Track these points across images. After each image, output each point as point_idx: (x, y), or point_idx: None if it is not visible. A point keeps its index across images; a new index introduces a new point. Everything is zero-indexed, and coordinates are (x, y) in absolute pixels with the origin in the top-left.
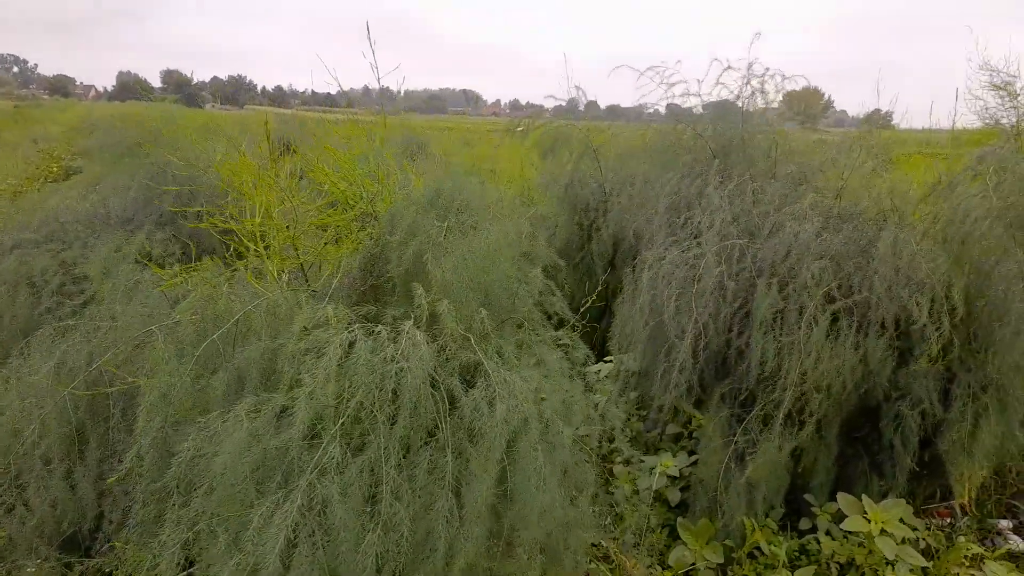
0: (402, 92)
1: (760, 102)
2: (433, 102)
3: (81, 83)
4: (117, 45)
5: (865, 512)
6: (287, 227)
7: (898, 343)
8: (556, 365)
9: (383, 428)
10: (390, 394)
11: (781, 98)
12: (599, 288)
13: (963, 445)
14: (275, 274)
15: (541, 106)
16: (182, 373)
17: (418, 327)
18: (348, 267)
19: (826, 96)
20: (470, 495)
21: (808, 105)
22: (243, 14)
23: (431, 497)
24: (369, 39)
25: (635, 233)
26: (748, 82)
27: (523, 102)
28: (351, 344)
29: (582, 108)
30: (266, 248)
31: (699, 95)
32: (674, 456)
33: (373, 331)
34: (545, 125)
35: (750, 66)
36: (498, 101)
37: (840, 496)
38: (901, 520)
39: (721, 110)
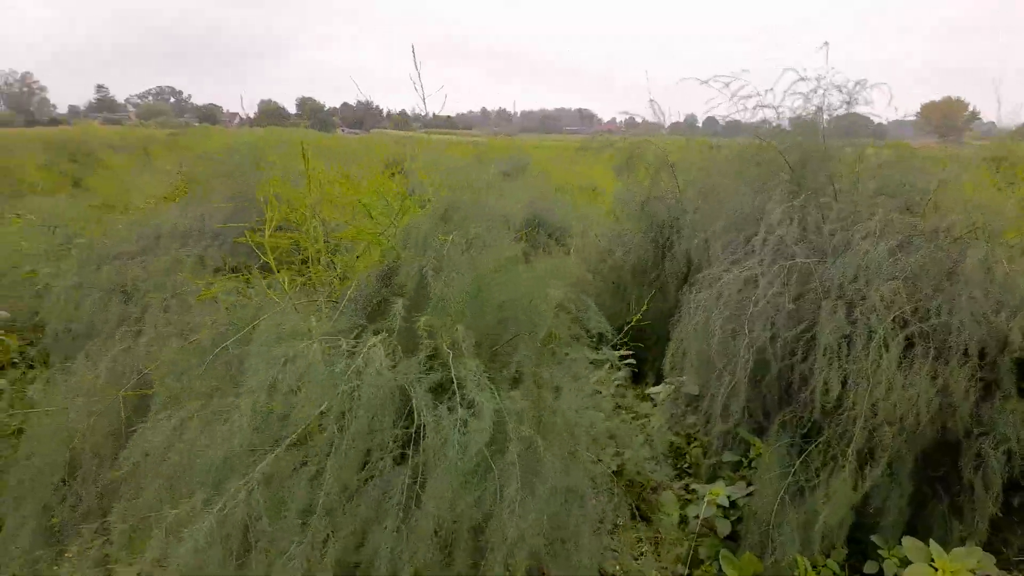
0: (518, 113)
1: (840, 111)
2: (548, 122)
3: (227, 111)
4: (262, 77)
5: (932, 559)
6: (324, 239)
7: (982, 374)
8: (570, 383)
9: (333, 441)
10: (341, 407)
11: (917, 110)
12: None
13: None
14: (287, 286)
15: (658, 123)
16: (190, 376)
17: (396, 341)
18: (364, 280)
19: (971, 106)
20: (422, 515)
21: (948, 117)
22: (377, 45)
23: (382, 514)
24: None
25: (698, 250)
26: (824, 92)
27: (638, 120)
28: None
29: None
30: (304, 262)
31: (776, 107)
32: (731, 484)
33: (337, 344)
34: (619, 141)
35: (820, 77)
36: (613, 119)
37: (906, 540)
38: (974, 572)
39: (800, 122)
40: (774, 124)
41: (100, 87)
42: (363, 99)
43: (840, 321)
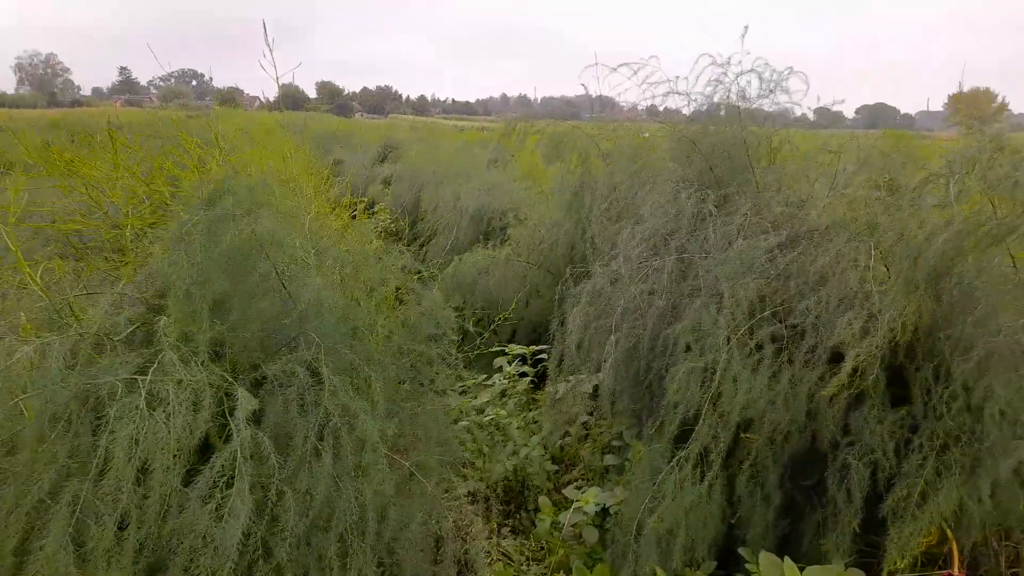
0: (538, 99)
1: (768, 102)
2: (568, 108)
3: (248, 95)
4: (283, 59)
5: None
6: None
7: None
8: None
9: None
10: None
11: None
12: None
13: (909, 507)
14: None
15: (678, 110)
16: None
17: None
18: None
19: (999, 97)
20: None
21: (977, 108)
22: (395, 28)
23: None
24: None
25: (591, 247)
26: (736, 78)
27: (660, 107)
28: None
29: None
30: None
31: (687, 94)
32: (611, 490)
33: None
34: (548, 127)
35: (728, 61)
36: (635, 106)
37: (763, 555)
38: None
39: (711, 110)
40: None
41: (123, 69)
42: (382, 85)
43: (696, 319)
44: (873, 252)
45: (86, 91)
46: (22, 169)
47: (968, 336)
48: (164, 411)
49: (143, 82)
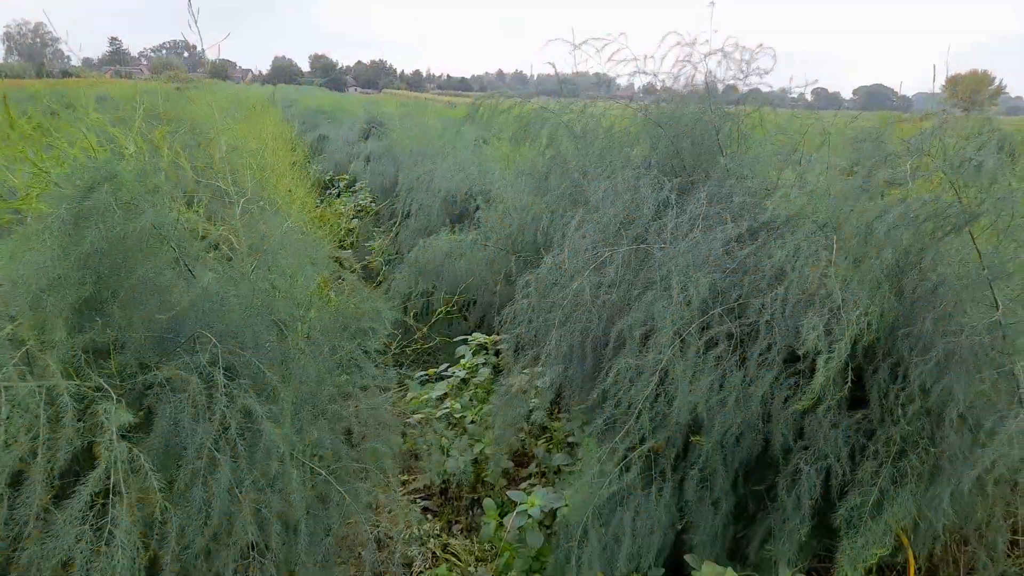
0: (535, 76)
1: (741, 83)
2: (565, 85)
3: (240, 67)
4: (276, 32)
5: None
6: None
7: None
8: None
9: None
10: None
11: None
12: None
13: (863, 515)
14: None
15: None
16: None
17: None
18: None
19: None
20: None
21: (975, 91)
22: (398, 6)
23: None
24: None
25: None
26: (704, 59)
27: (658, 86)
28: None
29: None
30: None
31: (655, 74)
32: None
33: None
34: (515, 107)
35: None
36: (631, 85)
37: (705, 564)
38: None
39: (677, 91)
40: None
41: (113, 39)
42: (376, 59)
43: (643, 314)
44: (835, 246)
45: (76, 61)
46: None
47: (928, 334)
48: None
49: (134, 53)
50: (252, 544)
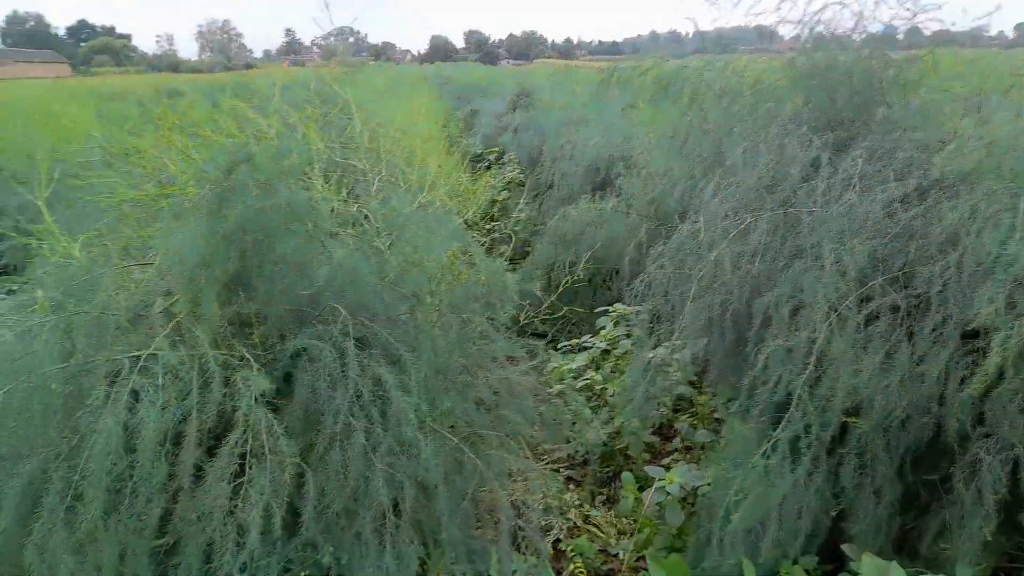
0: (689, 34)
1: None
2: (723, 42)
3: (399, 49)
4: (433, 10)
5: None
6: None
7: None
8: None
9: None
10: None
11: None
12: None
13: None
14: None
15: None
16: None
17: None
18: None
19: None
20: None
21: None
22: None
23: None
24: None
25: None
26: None
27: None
28: None
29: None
30: None
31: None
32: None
33: None
34: (653, 68)
35: None
36: (797, 36)
37: (866, 557)
38: None
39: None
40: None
41: (288, 31)
42: (527, 30)
43: (790, 287)
44: (1022, 207)
45: (257, 54)
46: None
47: None
48: (152, 395)
49: (307, 42)
50: (389, 505)
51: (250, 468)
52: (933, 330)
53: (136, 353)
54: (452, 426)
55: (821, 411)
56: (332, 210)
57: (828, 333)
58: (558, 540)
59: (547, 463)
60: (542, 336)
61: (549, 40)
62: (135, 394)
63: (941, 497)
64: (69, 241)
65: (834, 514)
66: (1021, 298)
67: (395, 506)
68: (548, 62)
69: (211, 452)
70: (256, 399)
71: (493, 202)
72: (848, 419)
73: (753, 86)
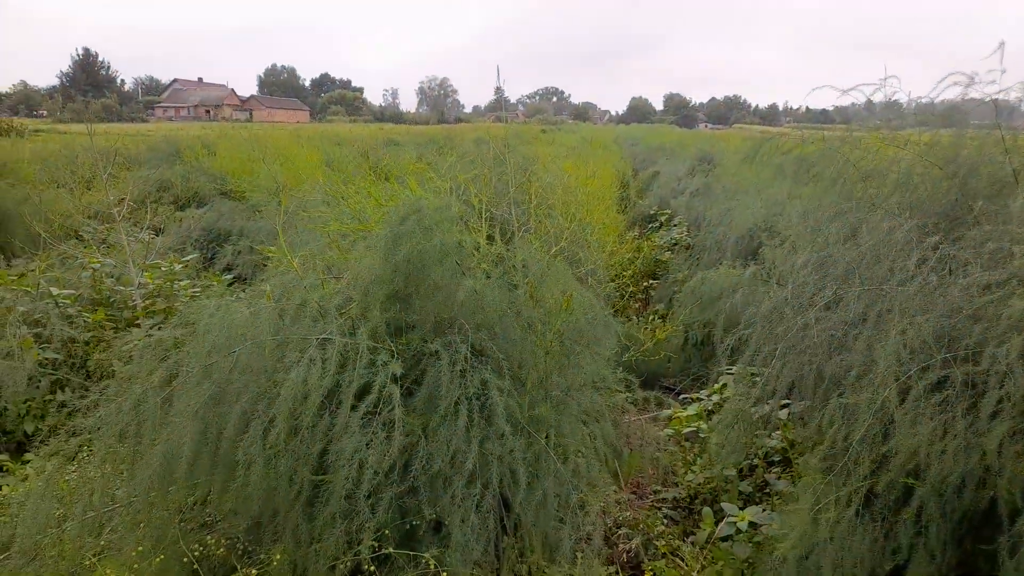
0: (912, 104)
1: None
2: (952, 114)
3: (599, 108)
4: (633, 72)
5: None
6: None
7: None
8: None
9: None
10: None
11: None
12: None
13: None
14: None
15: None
16: None
17: None
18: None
19: None
20: None
21: None
22: (746, 37)
23: None
24: None
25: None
26: None
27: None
28: None
29: None
30: None
31: None
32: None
33: None
34: (793, 148)
35: None
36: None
37: None
38: None
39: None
40: None
41: (497, 89)
42: (731, 94)
43: (860, 354)
44: None
45: (468, 109)
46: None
47: None
48: (321, 361)
49: (513, 100)
50: (480, 477)
51: (378, 426)
52: (996, 404)
53: (318, 336)
54: (547, 434)
55: (880, 467)
56: (477, 250)
57: (890, 398)
58: (641, 562)
59: (653, 501)
60: (670, 389)
61: (752, 105)
62: (315, 362)
63: (997, 567)
64: (291, 257)
65: (890, 568)
66: None
67: (487, 484)
68: (748, 128)
69: (354, 409)
70: (389, 379)
71: (658, 261)
72: (907, 480)
73: (890, 167)
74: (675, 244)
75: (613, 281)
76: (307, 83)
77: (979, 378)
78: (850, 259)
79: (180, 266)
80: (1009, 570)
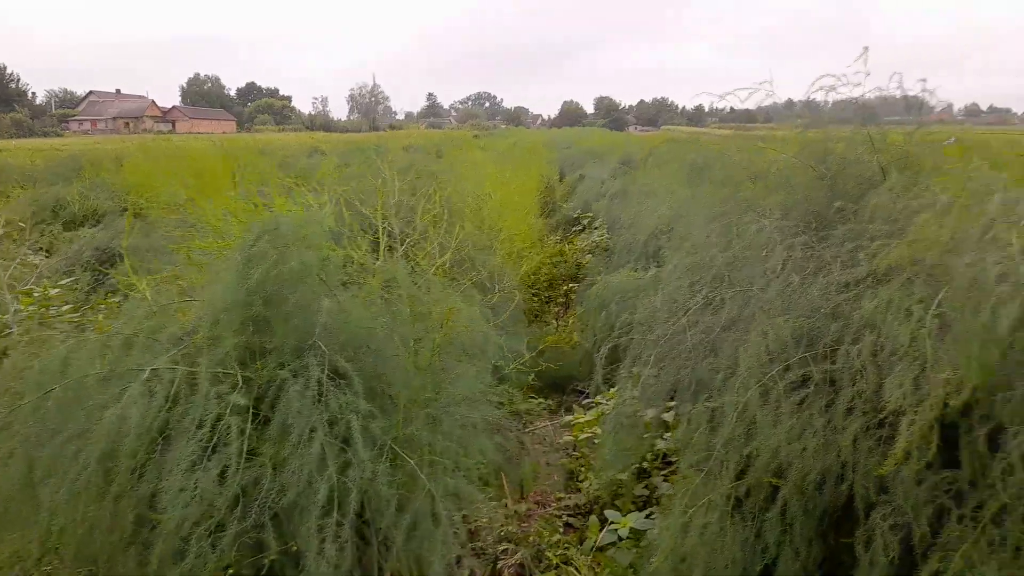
0: (829, 102)
1: None
2: (864, 111)
3: (531, 113)
4: (565, 76)
5: None
6: None
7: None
8: None
9: None
10: None
11: None
12: None
13: None
14: None
15: (1008, 109)
16: None
17: None
18: None
19: None
20: None
21: None
22: (674, 39)
23: None
24: None
25: None
26: None
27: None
28: None
29: None
30: None
31: None
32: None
33: None
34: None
35: None
36: (949, 106)
37: None
38: None
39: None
40: None
41: (430, 95)
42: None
43: (726, 356)
44: (938, 300)
45: (400, 115)
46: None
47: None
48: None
49: (446, 105)
50: (336, 505)
51: (207, 460)
52: (849, 402)
53: (146, 369)
54: (420, 452)
55: (746, 468)
56: (345, 266)
57: (750, 398)
58: (532, 574)
59: (556, 509)
60: (582, 392)
61: (680, 107)
62: (136, 398)
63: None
64: (144, 281)
65: (760, 568)
66: (926, 384)
67: (345, 513)
68: (675, 129)
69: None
70: (230, 410)
71: (579, 264)
72: (769, 479)
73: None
74: (596, 247)
75: (533, 286)
76: (233, 92)
77: (837, 376)
78: (721, 262)
79: (56, 290)
80: (864, 562)
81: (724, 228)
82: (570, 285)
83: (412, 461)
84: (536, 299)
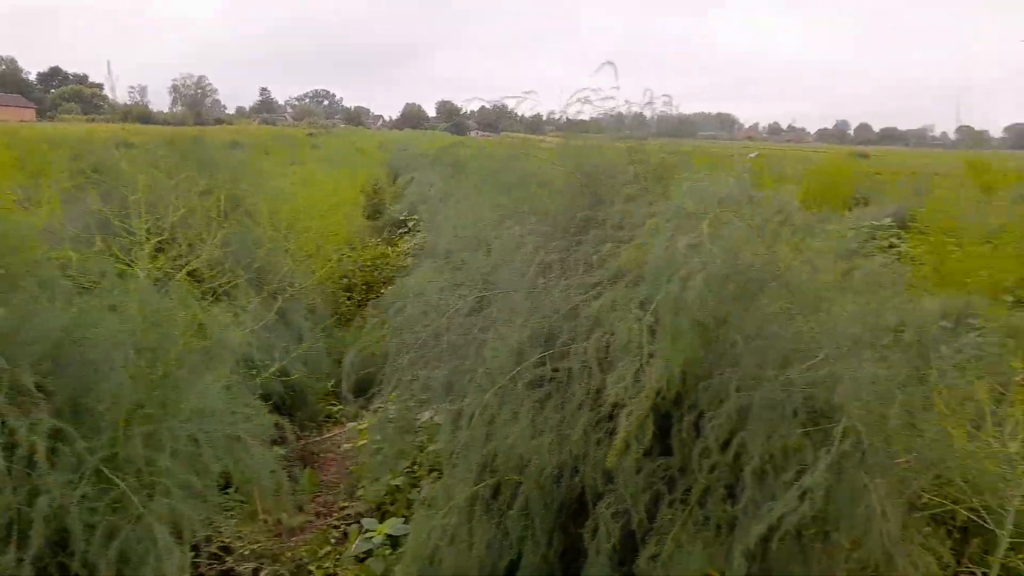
0: (654, 117)
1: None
2: (684, 126)
3: (373, 114)
4: (407, 78)
5: None
6: None
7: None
8: None
9: None
10: None
11: None
12: None
13: (657, 566)
14: None
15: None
16: None
17: None
18: None
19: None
20: None
21: None
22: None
23: None
24: None
25: None
26: None
27: (784, 125)
28: None
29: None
30: None
31: None
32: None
33: None
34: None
35: None
36: (755, 125)
37: None
38: None
39: None
40: None
41: (263, 90)
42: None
43: (468, 362)
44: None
45: (231, 110)
46: None
47: (725, 389)
48: None
49: (281, 101)
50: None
51: None
52: (579, 398)
53: None
54: (139, 472)
55: (488, 466)
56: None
57: (490, 399)
58: None
59: (334, 520)
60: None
61: (519, 114)
62: None
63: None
64: None
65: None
66: (643, 377)
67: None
68: (514, 136)
69: None
70: None
71: (401, 267)
72: (509, 477)
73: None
74: (420, 249)
75: (348, 290)
76: (32, 77)
77: (572, 373)
78: (481, 266)
79: None
80: (592, 550)
81: (493, 232)
82: (390, 287)
83: (123, 484)
84: (350, 302)
